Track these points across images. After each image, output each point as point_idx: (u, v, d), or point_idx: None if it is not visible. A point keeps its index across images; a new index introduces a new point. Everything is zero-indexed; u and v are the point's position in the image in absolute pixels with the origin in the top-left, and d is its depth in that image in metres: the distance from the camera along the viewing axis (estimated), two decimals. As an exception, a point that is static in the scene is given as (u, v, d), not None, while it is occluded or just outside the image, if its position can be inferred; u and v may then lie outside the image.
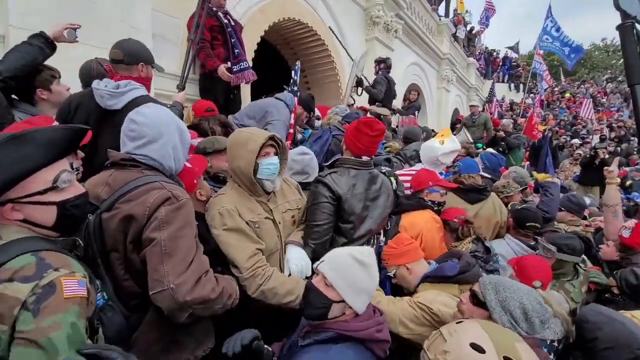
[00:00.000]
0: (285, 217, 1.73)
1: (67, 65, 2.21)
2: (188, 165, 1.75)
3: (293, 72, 3.95)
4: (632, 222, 2.47)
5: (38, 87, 2.08)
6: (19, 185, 0.88)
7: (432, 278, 1.72)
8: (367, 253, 1.28)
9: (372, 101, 5.98)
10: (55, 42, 2.02)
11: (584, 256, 2.40)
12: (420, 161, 3.04)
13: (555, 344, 1.24)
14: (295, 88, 4.01)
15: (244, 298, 1.44)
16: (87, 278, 0.92)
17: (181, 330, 1.30)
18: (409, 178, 2.56)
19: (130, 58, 1.96)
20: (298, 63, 4.20)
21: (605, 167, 3.08)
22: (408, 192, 2.51)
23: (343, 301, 1.21)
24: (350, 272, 1.22)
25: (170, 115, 1.39)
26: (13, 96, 2.00)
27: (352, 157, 1.97)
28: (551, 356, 1.46)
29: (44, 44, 1.95)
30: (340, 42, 6.13)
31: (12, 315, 0.79)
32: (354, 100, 5.76)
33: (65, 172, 0.95)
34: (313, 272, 1.39)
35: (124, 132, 1.31)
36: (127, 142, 1.30)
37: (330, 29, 6.00)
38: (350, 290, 1.21)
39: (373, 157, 2.14)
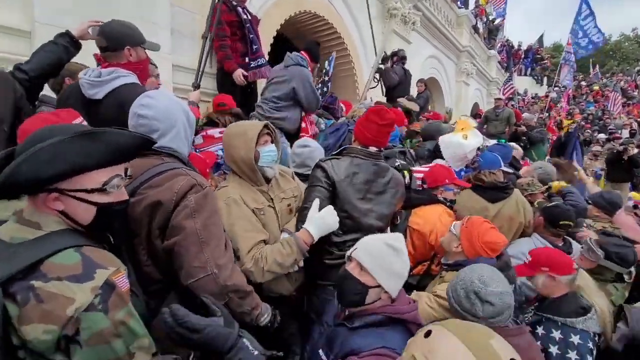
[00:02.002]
0: (281, 207, 1.75)
1: (90, 60, 2.27)
2: (200, 156, 1.79)
3: (327, 62, 3.91)
4: None
5: (67, 75, 2.13)
6: (73, 178, 0.88)
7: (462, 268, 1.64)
8: (398, 239, 1.34)
9: (387, 93, 5.93)
10: (80, 41, 2.01)
11: (632, 268, 2.17)
12: (432, 161, 2.93)
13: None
14: (327, 78, 3.98)
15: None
16: (126, 271, 0.93)
17: None
18: (421, 175, 2.46)
19: (114, 43, 1.82)
20: (334, 54, 4.17)
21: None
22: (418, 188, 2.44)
23: (379, 286, 1.25)
24: (384, 257, 1.27)
25: (174, 100, 1.37)
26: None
27: (359, 147, 1.90)
28: (590, 344, 1.55)
29: (69, 43, 1.95)
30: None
31: (63, 315, 0.77)
32: (376, 81, 5.66)
33: (118, 178, 0.94)
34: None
35: (134, 128, 1.28)
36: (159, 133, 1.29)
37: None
38: (385, 275, 1.26)
39: (384, 149, 2.09)
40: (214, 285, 1.17)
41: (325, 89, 4.25)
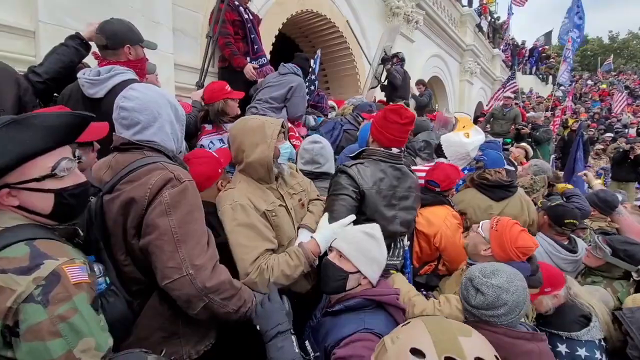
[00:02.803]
0: (293, 203, 1.69)
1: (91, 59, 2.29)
2: (214, 154, 1.75)
3: (312, 61, 3.90)
4: None
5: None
6: (17, 170, 0.84)
7: None
8: (375, 228, 1.44)
9: (389, 93, 5.93)
10: (90, 42, 2.03)
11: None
12: (434, 151, 2.91)
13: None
14: (314, 77, 3.97)
15: None
16: (87, 264, 0.91)
17: (183, 322, 1.25)
18: (423, 174, 2.39)
19: (113, 41, 1.84)
20: (318, 52, 4.15)
21: None
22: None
23: (358, 272, 1.34)
24: (362, 244, 1.37)
25: (160, 93, 1.30)
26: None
27: (382, 149, 1.81)
28: (597, 354, 1.54)
29: (80, 45, 1.97)
30: (356, 39, 6.02)
31: (3, 307, 0.75)
32: (378, 81, 5.68)
33: (66, 160, 0.91)
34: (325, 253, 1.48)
35: (117, 120, 1.24)
36: (122, 130, 1.23)
37: (348, 24, 5.91)
38: (363, 260, 1.35)
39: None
40: (190, 287, 1.09)
41: (312, 87, 4.24)
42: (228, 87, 2.65)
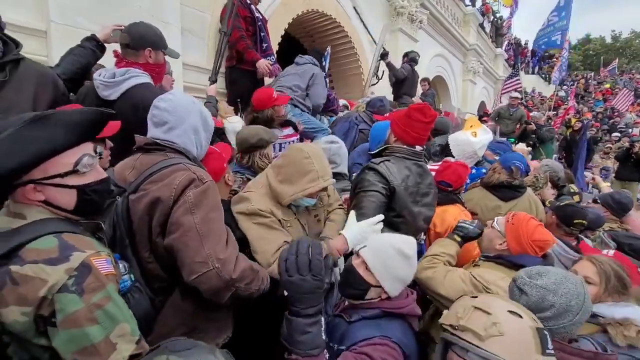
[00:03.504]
0: (308, 219, 1.68)
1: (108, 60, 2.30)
2: (217, 150, 1.79)
3: (322, 58, 3.90)
4: None
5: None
6: (41, 166, 0.87)
7: (503, 261, 1.59)
8: (410, 245, 1.31)
9: (395, 89, 5.95)
10: (105, 44, 2.06)
11: None
12: (445, 156, 2.92)
13: None
14: (324, 74, 3.99)
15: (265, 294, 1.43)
16: (111, 257, 0.94)
17: (202, 317, 1.30)
18: (433, 174, 2.39)
19: (136, 42, 1.87)
20: (328, 49, 4.14)
21: None
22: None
23: (380, 286, 1.28)
24: (391, 262, 1.27)
25: (192, 101, 1.37)
26: None
27: (405, 147, 1.84)
28: None
29: (96, 46, 1.99)
30: (363, 23, 6.05)
31: (36, 297, 0.79)
32: (377, 78, 5.73)
33: (87, 157, 0.93)
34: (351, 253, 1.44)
35: (150, 117, 1.33)
36: (151, 127, 1.32)
37: (355, 10, 5.95)
38: (388, 278, 1.27)
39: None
40: (218, 280, 1.14)
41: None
42: (275, 94, 2.66)
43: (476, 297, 1.08)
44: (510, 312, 0.98)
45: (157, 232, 1.18)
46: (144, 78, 1.83)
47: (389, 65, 5.67)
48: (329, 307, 1.52)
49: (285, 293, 1.13)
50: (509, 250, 1.60)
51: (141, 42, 1.88)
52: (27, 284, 0.79)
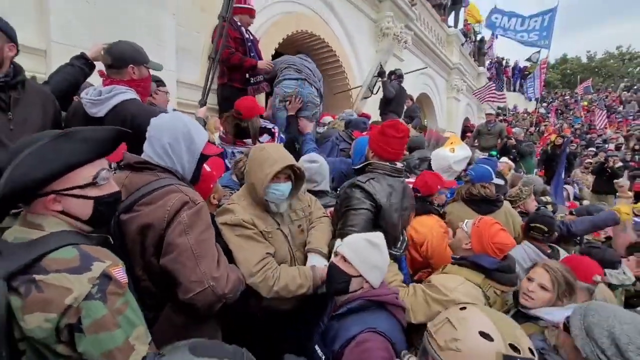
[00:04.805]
0: (291, 229, 1.74)
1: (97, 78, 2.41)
2: (207, 168, 1.76)
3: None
4: None
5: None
6: (63, 178, 0.94)
7: (466, 262, 1.71)
8: (378, 236, 1.51)
9: (382, 107, 6.18)
10: (94, 62, 2.10)
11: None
12: (426, 169, 3.09)
13: None
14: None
15: (252, 306, 1.52)
16: (124, 267, 0.99)
17: (193, 328, 1.34)
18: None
19: (118, 61, 1.91)
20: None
21: (615, 181, 3.08)
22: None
23: (360, 276, 1.44)
24: (364, 251, 1.46)
25: (184, 123, 1.37)
26: None
27: (387, 163, 1.92)
28: None
29: (85, 64, 2.05)
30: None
31: (62, 304, 0.83)
32: (371, 92, 6.02)
33: (105, 170, 1.02)
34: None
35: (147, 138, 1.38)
36: (146, 146, 1.36)
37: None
38: (365, 266, 1.44)
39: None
40: (213, 297, 1.21)
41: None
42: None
43: (464, 308, 1.10)
44: (482, 332, 0.97)
45: (150, 252, 1.23)
46: (130, 94, 1.86)
47: (384, 84, 5.94)
48: (325, 318, 1.59)
49: None
50: (472, 250, 1.74)
51: (123, 60, 1.91)
52: (52, 292, 0.84)
